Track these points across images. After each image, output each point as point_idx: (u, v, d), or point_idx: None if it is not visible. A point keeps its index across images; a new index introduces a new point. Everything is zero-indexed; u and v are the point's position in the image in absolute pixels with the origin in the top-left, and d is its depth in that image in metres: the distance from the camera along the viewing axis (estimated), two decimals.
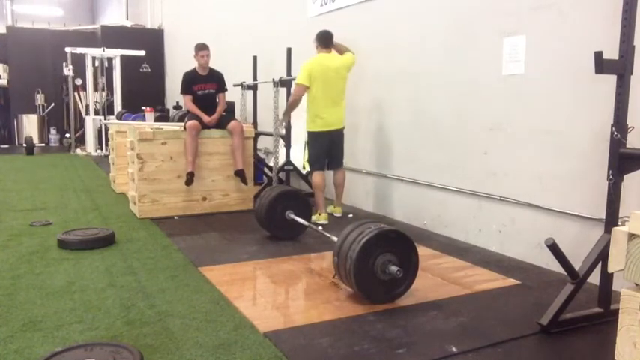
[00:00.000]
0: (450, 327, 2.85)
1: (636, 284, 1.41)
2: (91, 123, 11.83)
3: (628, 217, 1.42)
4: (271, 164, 6.29)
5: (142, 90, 13.48)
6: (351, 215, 5.58)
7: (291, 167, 6.19)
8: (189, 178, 5.48)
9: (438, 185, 4.89)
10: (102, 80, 12.37)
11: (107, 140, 9.23)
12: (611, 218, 2.80)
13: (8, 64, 13.91)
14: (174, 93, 12.59)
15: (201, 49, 5.72)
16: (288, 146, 6.15)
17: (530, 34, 3.92)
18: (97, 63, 12.19)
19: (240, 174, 5.69)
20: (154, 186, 5.43)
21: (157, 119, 10.40)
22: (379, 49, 5.60)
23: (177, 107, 11.68)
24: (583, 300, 2.98)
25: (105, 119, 11.51)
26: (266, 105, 6.98)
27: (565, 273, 2.82)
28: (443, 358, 2.51)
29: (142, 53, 12.74)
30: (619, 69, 2.72)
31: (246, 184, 5.77)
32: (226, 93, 6.03)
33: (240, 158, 5.68)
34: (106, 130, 10.15)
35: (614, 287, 2.88)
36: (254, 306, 3.18)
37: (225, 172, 5.74)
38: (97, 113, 12.15)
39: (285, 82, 6.06)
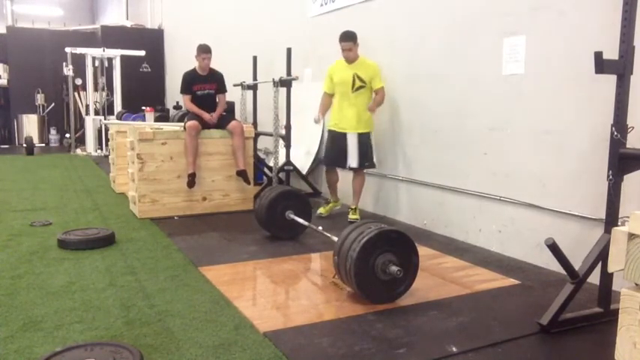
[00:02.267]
0: (450, 327, 2.85)
1: (636, 284, 1.41)
2: (91, 123, 11.83)
3: (628, 217, 1.41)
4: (271, 164, 6.29)
5: (142, 90, 13.48)
6: None
7: (291, 167, 6.19)
8: (191, 179, 5.47)
9: (438, 185, 4.89)
10: (102, 80, 12.37)
11: (107, 140, 9.23)
12: (611, 218, 2.79)
13: (8, 64, 13.90)
14: (174, 93, 12.58)
15: (204, 51, 5.70)
16: (288, 146, 6.15)
17: (530, 34, 3.92)
18: (97, 63, 12.19)
19: (242, 174, 5.68)
20: (154, 186, 5.43)
21: (157, 119, 10.40)
22: (379, 49, 5.60)
23: (177, 107, 11.68)
24: (583, 300, 2.98)
25: (105, 119, 11.51)
26: (266, 105, 6.98)
27: (565, 273, 2.82)
28: (443, 358, 2.51)
29: (142, 53, 12.74)
30: (619, 69, 2.72)
31: (249, 183, 5.77)
32: (226, 93, 6.03)
33: (242, 158, 5.67)
34: (106, 130, 10.15)
35: (614, 287, 2.88)
36: (254, 306, 3.18)
37: (225, 172, 5.74)
38: (97, 113, 12.15)
39: (285, 82, 6.06)
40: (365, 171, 5.33)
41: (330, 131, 5.39)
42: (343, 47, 5.12)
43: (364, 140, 5.18)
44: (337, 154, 5.25)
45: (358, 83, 5.12)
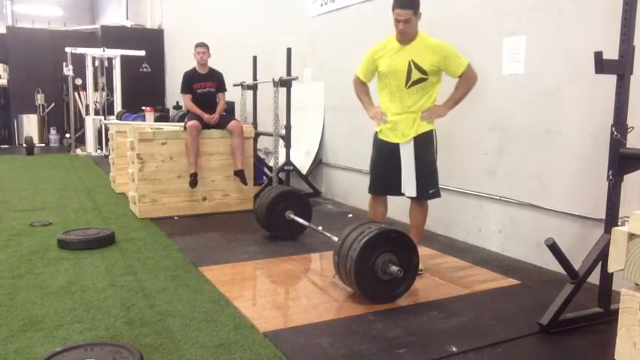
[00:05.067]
0: (450, 327, 2.85)
1: (636, 284, 1.41)
2: (91, 123, 11.83)
3: (628, 217, 1.42)
4: (271, 164, 6.29)
5: (142, 90, 13.48)
6: (350, 215, 5.58)
7: (291, 167, 6.19)
8: (193, 179, 5.47)
9: None
10: (102, 80, 12.37)
11: (107, 140, 9.23)
12: (611, 218, 2.80)
13: (8, 64, 13.90)
14: (174, 93, 12.58)
15: (199, 46, 5.79)
16: (288, 146, 6.15)
17: (530, 34, 3.92)
18: (97, 63, 12.19)
19: (239, 174, 5.68)
20: (154, 186, 5.42)
21: (157, 119, 10.42)
22: None
23: (178, 107, 11.69)
24: (583, 300, 2.97)
25: (105, 119, 11.51)
26: (266, 105, 6.98)
27: (565, 273, 2.82)
28: (443, 358, 2.52)
29: (142, 53, 12.73)
30: (619, 69, 2.72)
31: (245, 184, 5.76)
32: (226, 93, 6.04)
33: (240, 158, 5.68)
34: (106, 130, 10.15)
35: (614, 287, 2.88)
36: (254, 306, 3.18)
37: (225, 172, 5.74)
38: (97, 113, 12.15)
39: (285, 82, 6.06)
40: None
41: (378, 140, 3.78)
42: (398, 17, 3.42)
43: (425, 148, 3.60)
44: (389, 175, 3.71)
45: (416, 74, 3.50)
